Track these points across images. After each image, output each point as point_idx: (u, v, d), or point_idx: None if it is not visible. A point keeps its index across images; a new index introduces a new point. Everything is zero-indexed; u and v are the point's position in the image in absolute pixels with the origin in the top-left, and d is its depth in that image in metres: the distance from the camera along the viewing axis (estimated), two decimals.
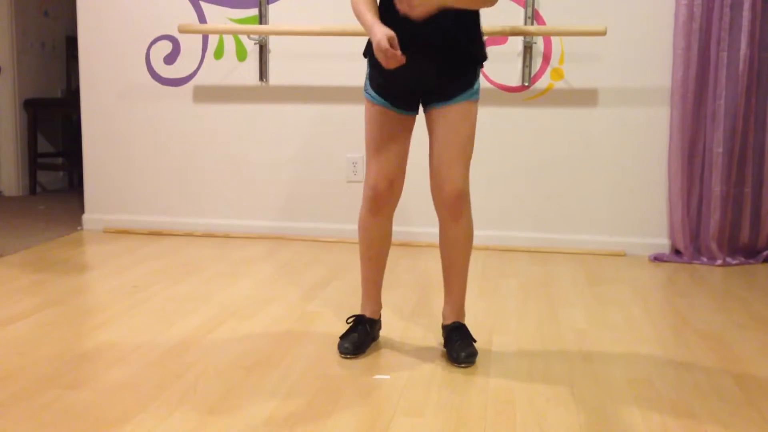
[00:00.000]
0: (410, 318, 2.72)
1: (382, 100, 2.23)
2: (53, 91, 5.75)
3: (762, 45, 3.56)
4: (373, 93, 2.25)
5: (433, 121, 2.24)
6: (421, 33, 2.13)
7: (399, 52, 2.05)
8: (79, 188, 4.75)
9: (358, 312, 2.49)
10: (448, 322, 2.38)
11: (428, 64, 2.17)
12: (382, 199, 2.29)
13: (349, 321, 2.44)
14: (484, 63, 2.28)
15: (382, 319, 2.54)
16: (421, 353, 2.38)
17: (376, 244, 2.38)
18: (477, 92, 2.24)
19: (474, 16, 2.21)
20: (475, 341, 2.33)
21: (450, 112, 2.20)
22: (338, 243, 3.92)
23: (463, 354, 2.25)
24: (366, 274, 2.43)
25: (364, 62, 2.32)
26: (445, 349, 2.35)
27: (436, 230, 2.36)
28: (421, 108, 2.29)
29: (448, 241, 2.31)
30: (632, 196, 3.79)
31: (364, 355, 2.34)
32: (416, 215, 3.84)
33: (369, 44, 2.25)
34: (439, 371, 2.23)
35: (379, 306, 2.47)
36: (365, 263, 2.42)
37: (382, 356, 2.35)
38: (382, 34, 2.05)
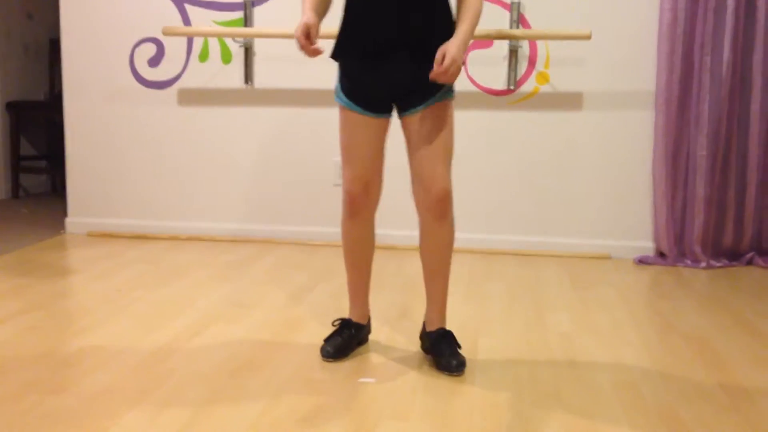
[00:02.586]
0: (396, 322, 2.71)
1: (354, 105, 2.21)
2: (36, 94, 5.71)
3: (745, 49, 3.59)
4: (344, 97, 2.23)
5: (408, 126, 2.22)
6: (392, 37, 2.13)
7: (315, 45, 2.05)
8: (63, 191, 4.72)
9: (344, 315, 2.48)
10: (433, 328, 2.34)
11: (399, 68, 2.15)
12: (358, 203, 2.28)
13: (335, 324, 2.43)
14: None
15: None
16: (406, 357, 2.37)
17: (357, 248, 2.37)
18: (449, 91, 2.21)
19: (447, 19, 2.18)
20: (460, 347, 2.32)
21: (425, 114, 2.18)
22: (325, 246, 3.91)
23: (454, 362, 2.23)
24: (351, 279, 2.42)
25: None
26: (430, 356, 2.33)
27: None
28: (395, 114, 2.27)
29: (431, 244, 2.29)
30: (617, 199, 3.81)
31: (349, 359, 2.34)
32: (402, 218, 3.84)
33: (335, 47, 2.23)
34: (424, 375, 2.22)
35: (367, 310, 2.46)
36: (349, 268, 2.41)
37: (368, 360, 2.34)
38: (302, 22, 2.06)
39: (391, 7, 2.12)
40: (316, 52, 2.06)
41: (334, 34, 2.25)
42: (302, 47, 2.06)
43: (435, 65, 2.05)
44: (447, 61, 2.03)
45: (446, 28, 2.16)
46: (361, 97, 2.20)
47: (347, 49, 2.21)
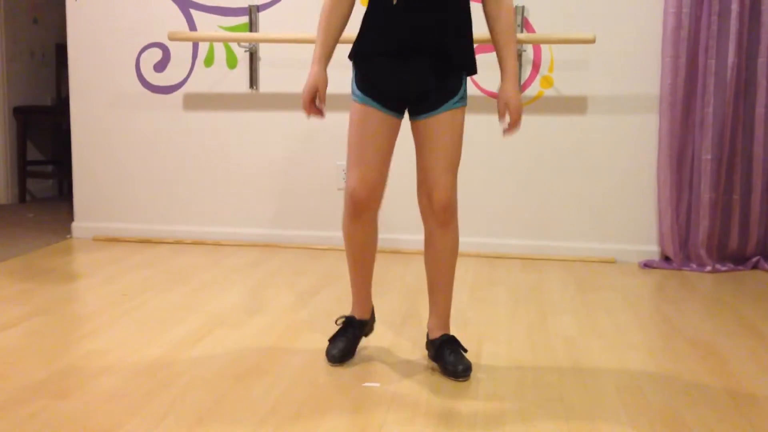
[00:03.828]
0: (401, 326, 2.72)
1: (369, 100, 2.20)
2: (43, 99, 5.74)
3: (749, 53, 3.58)
4: (359, 92, 2.22)
5: (419, 131, 2.22)
6: (412, 38, 2.14)
7: (320, 108, 2.22)
8: (69, 196, 4.73)
9: None
10: (437, 335, 2.33)
11: (416, 70, 2.16)
12: (362, 205, 2.26)
13: (338, 322, 2.43)
14: (474, 74, 2.27)
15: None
16: (411, 361, 2.37)
17: (360, 248, 2.36)
18: (463, 99, 2.22)
19: (466, 26, 2.20)
20: (466, 351, 2.31)
21: (436, 121, 2.19)
22: (328, 250, 3.92)
23: (460, 367, 2.22)
24: (353, 278, 2.42)
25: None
26: (436, 363, 2.31)
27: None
28: (407, 116, 2.27)
29: (435, 252, 2.28)
30: (622, 203, 3.81)
31: (354, 364, 2.34)
32: (407, 222, 3.84)
33: (354, 46, 2.24)
34: (429, 379, 2.23)
35: (370, 306, 2.45)
36: (352, 267, 2.40)
37: (372, 364, 2.35)
38: (312, 84, 2.19)
39: (408, 11, 2.12)
40: (318, 114, 2.22)
41: (351, 38, 2.25)
42: (306, 110, 2.21)
43: (501, 118, 2.21)
44: (515, 116, 2.19)
45: (462, 29, 2.18)
46: (377, 93, 2.20)
47: (366, 52, 2.21)
